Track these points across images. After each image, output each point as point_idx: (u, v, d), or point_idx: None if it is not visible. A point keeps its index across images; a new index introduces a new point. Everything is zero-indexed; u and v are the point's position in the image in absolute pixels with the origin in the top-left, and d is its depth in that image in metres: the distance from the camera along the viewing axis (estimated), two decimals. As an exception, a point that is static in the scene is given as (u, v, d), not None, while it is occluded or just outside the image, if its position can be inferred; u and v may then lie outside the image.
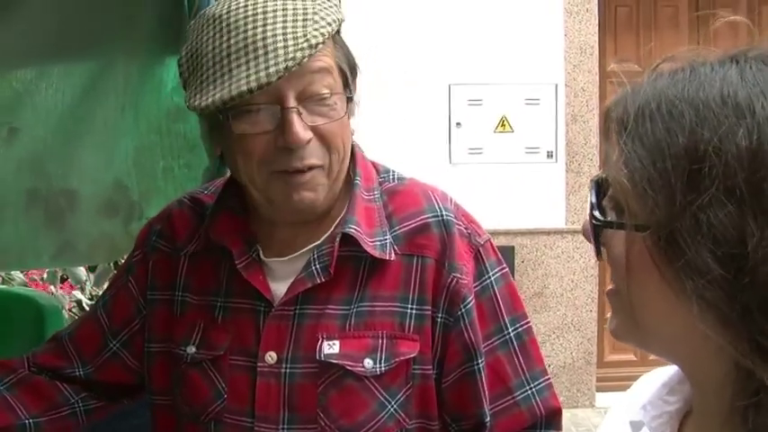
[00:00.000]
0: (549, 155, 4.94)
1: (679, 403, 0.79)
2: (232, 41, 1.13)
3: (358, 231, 1.22)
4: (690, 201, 0.63)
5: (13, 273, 3.40)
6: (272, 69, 1.10)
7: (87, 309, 2.97)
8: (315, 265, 1.22)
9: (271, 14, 1.14)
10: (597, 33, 4.95)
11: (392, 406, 1.22)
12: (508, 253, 4.76)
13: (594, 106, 4.92)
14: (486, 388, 1.25)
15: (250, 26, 1.13)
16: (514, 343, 1.28)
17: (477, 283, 1.26)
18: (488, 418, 1.26)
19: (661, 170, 0.65)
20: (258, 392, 1.22)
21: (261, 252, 1.26)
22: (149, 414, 1.36)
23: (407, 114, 4.88)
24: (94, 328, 1.39)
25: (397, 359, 1.22)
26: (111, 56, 1.79)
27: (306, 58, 1.12)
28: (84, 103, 1.83)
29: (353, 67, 1.23)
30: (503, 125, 4.92)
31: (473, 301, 1.25)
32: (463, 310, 1.24)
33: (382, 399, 1.22)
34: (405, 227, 1.26)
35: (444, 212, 1.27)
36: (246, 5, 1.15)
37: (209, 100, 1.13)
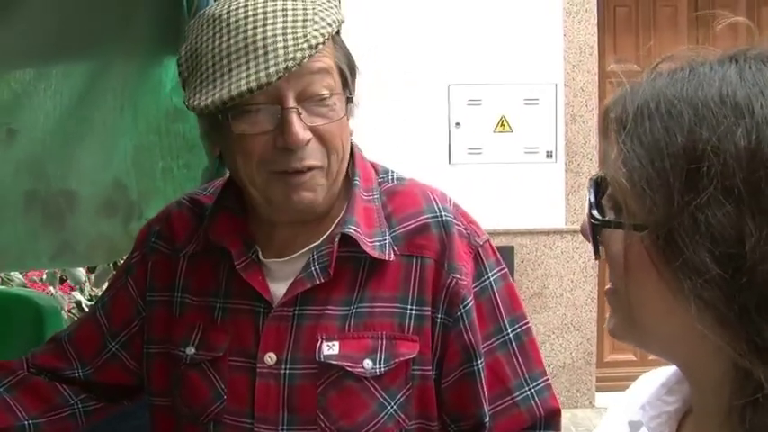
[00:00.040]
0: (549, 155, 4.94)
1: (678, 403, 0.79)
2: (232, 41, 1.13)
3: (357, 232, 1.22)
4: (688, 200, 0.63)
5: (12, 273, 3.40)
6: (272, 69, 1.10)
7: (86, 309, 2.98)
8: (314, 265, 1.22)
9: (271, 15, 1.14)
10: (596, 33, 4.96)
11: (392, 407, 1.22)
12: (508, 253, 4.76)
13: (594, 106, 4.92)
14: (485, 388, 1.25)
15: (250, 26, 1.13)
16: (514, 344, 1.28)
17: (476, 284, 1.26)
18: (488, 419, 1.26)
19: (659, 169, 0.65)
20: (257, 393, 1.22)
21: (260, 253, 1.26)
22: (148, 415, 1.36)
23: (407, 114, 4.88)
24: (93, 329, 1.39)
25: (396, 360, 1.22)
26: (110, 56, 1.79)
27: (306, 59, 1.12)
28: (83, 103, 1.83)
29: (353, 68, 1.23)
30: (502, 125, 4.92)
31: (472, 301, 1.25)
32: (462, 310, 1.24)
33: (382, 399, 1.22)
34: (404, 227, 1.26)
35: (443, 213, 1.27)
36: (247, 5, 1.15)
37: (209, 100, 1.13)
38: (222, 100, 1.12)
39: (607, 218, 0.71)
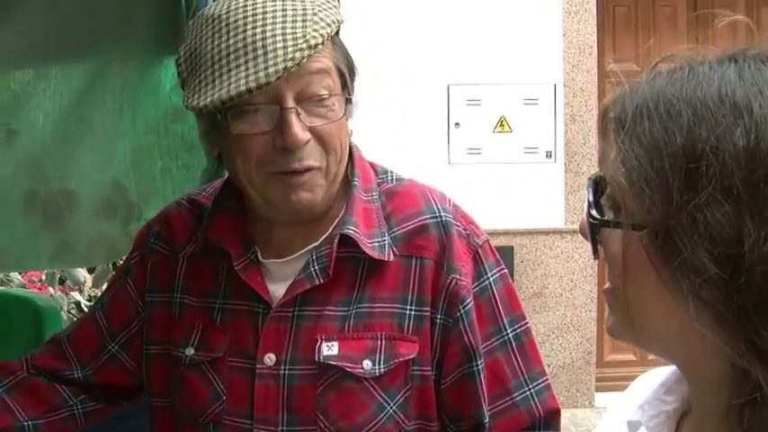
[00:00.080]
0: (548, 155, 4.94)
1: (676, 403, 0.79)
2: (231, 41, 1.13)
3: (356, 232, 1.22)
4: (687, 200, 0.63)
5: (11, 274, 3.40)
6: (271, 70, 1.10)
7: (86, 310, 2.97)
8: (313, 266, 1.22)
9: (270, 15, 1.14)
10: (596, 33, 4.96)
11: (391, 407, 1.22)
12: (507, 253, 4.76)
13: (593, 106, 4.92)
14: (484, 389, 1.25)
15: (249, 26, 1.13)
16: (513, 344, 1.28)
17: (475, 285, 1.26)
18: (487, 419, 1.26)
19: (658, 169, 0.65)
20: (257, 394, 1.22)
21: (259, 253, 1.26)
22: (148, 416, 1.36)
23: (406, 114, 4.88)
24: (93, 330, 1.39)
25: (396, 360, 1.22)
26: (109, 57, 1.79)
27: (305, 59, 1.12)
28: (82, 104, 1.83)
29: (352, 69, 1.23)
30: (501, 125, 4.92)
31: (472, 302, 1.25)
32: (462, 311, 1.24)
33: (381, 400, 1.22)
34: (403, 228, 1.26)
35: (443, 213, 1.27)
36: (246, 6, 1.15)
37: (208, 100, 1.13)
38: (221, 100, 1.12)
39: (606, 217, 0.71)
